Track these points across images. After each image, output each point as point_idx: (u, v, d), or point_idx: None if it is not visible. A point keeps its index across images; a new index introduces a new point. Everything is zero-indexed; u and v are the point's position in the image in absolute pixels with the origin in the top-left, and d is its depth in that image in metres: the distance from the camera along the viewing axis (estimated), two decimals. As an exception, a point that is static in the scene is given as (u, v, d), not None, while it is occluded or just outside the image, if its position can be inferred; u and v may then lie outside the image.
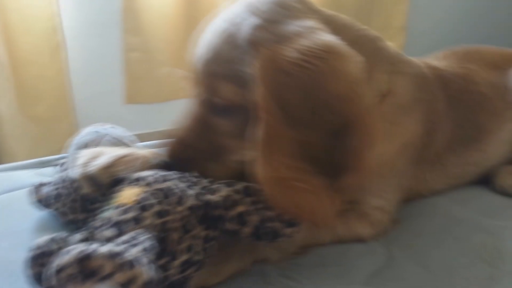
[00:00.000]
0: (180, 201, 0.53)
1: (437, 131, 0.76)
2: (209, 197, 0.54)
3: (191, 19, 1.74)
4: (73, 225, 0.63)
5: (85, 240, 0.51)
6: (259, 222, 0.53)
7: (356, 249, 0.64)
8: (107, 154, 0.60)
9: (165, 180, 0.55)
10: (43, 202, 0.68)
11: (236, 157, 0.60)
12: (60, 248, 0.49)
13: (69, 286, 0.42)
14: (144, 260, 0.44)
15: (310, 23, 0.56)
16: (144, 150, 0.64)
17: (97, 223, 0.53)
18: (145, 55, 1.79)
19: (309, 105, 0.51)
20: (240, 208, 0.53)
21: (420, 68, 0.77)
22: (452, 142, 0.79)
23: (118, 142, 0.68)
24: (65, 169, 0.65)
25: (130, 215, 0.51)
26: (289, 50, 0.52)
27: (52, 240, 0.50)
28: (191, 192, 0.54)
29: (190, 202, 0.53)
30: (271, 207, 0.53)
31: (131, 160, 0.60)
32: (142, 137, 0.94)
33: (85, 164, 0.59)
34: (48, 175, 0.69)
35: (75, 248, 0.42)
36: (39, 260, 0.48)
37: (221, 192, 0.54)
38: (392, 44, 0.73)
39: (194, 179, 0.56)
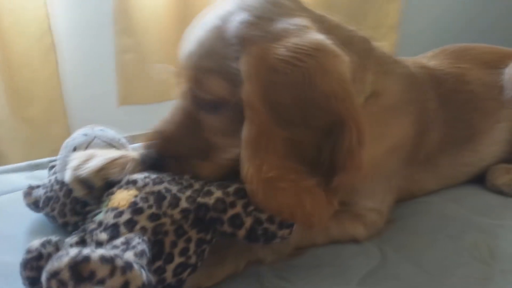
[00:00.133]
0: (172, 204, 0.52)
1: (429, 131, 0.76)
2: (202, 200, 0.53)
3: (184, 19, 1.74)
4: (65, 229, 0.62)
5: (77, 243, 0.51)
6: (252, 224, 0.53)
7: (351, 250, 0.64)
8: (98, 157, 0.59)
9: (157, 183, 0.55)
10: (35, 205, 0.68)
11: (225, 155, 0.59)
12: (51, 252, 0.49)
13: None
14: (138, 264, 0.44)
15: (300, 21, 0.56)
16: (135, 152, 0.63)
17: (89, 226, 0.52)
18: (138, 56, 1.78)
19: (299, 103, 0.51)
20: (233, 211, 0.53)
21: (410, 68, 0.76)
22: (444, 142, 0.79)
23: (109, 144, 0.68)
24: (55, 173, 0.65)
25: (122, 218, 0.50)
26: (279, 48, 0.51)
27: (44, 243, 0.49)
28: (183, 195, 0.53)
29: (183, 205, 0.52)
30: (263, 209, 0.53)
31: (123, 162, 0.59)
32: (136, 138, 0.93)
33: (77, 167, 0.59)
34: (40, 178, 0.69)
35: (68, 253, 0.42)
36: (32, 264, 0.48)
37: (213, 195, 0.54)
38: (381, 44, 0.73)
39: (186, 182, 0.56)
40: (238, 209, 0.53)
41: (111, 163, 0.59)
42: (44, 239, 0.50)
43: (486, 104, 0.86)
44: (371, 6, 2.11)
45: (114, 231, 0.50)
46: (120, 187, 0.55)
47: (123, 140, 0.73)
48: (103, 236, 0.50)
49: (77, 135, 0.70)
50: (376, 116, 0.65)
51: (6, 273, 0.57)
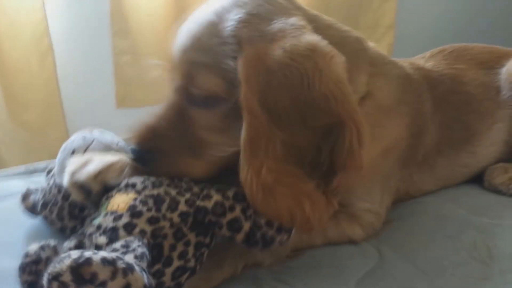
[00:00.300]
0: (171, 208, 0.52)
1: (425, 133, 0.76)
2: (201, 203, 0.53)
3: (180, 21, 1.74)
4: (63, 233, 0.62)
5: (76, 247, 0.51)
6: (251, 228, 0.53)
7: (349, 251, 0.64)
8: (96, 161, 0.59)
9: (156, 187, 0.55)
10: (32, 209, 0.68)
11: (215, 152, 0.58)
12: (50, 256, 0.49)
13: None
14: (137, 267, 0.44)
15: (295, 20, 0.56)
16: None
17: (87, 230, 0.53)
18: (135, 57, 1.78)
19: (297, 105, 0.51)
20: (232, 215, 0.53)
21: (404, 69, 0.76)
22: (441, 144, 0.79)
23: (106, 148, 0.68)
24: (53, 176, 0.65)
25: (121, 222, 0.51)
26: (276, 49, 0.52)
27: (42, 248, 0.49)
28: (182, 198, 0.53)
29: (182, 208, 0.52)
30: (262, 213, 0.53)
31: (120, 166, 0.59)
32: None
33: (74, 171, 0.59)
34: (37, 182, 0.69)
35: (70, 255, 0.42)
36: (30, 267, 0.48)
37: (212, 198, 0.54)
38: (376, 45, 0.73)
39: (185, 185, 0.56)
40: (237, 213, 0.53)
41: (109, 167, 0.59)
42: (42, 242, 0.50)
43: (483, 105, 0.86)
44: (367, 6, 2.11)
45: (113, 235, 0.50)
46: (119, 191, 0.55)
47: (121, 143, 0.73)
48: (102, 239, 0.50)
49: (75, 139, 0.70)
50: (369, 117, 0.64)
51: (3, 278, 0.57)
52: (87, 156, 0.62)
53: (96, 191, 0.57)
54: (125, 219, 0.51)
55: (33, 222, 0.69)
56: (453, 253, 0.65)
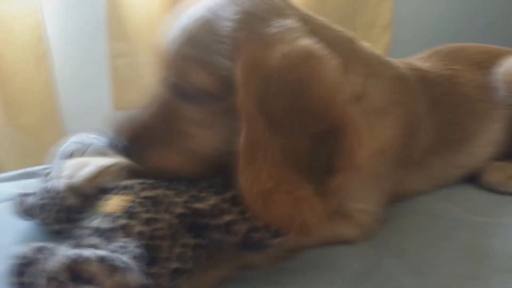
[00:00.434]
0: (168, 209, 0.52)
1: (419, 134, 0.76)
2: (197, 205, 0.53)
3: (173, 15, 1.73)
4: (59, 236, 0.62)
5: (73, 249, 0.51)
6: (246, 231, 0.53)
7: (343, 251, 0.64)
8: (92, 165, 0.60)
9: (152, 188, 0.55)
10: (28, 213, 0.68)
11: (199, 148, 0.58)
12: (46, 258, 0.49)
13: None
14: (135, 267, 0.45)
15: (290, 23, 0.56)
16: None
17: (84, 232, 0.53)
18: (132, 60, 1.78)
19: (295, 111, 0.52)
20: (228, 217, 0.53)
21: (400, 70, 0.76)
22: (436, 145, 0.79)
23: (103, 151, 0.68)
24: (50, 179, 0.65)
25: (118, 223, 0.51)
26: (273, 55, 0.52)
27: (38, 249, 0.49)
28: (179, 200, 0.54)
29: (178, 210, 0.53)
30: (261, 219, 0.53)
31: (116, 170, 0.59)
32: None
33: (70, 175, 0.59)
34: (32, 186, 0.69)
35: (67, 255, 0.42)
36: (23, 269, 0.47)
37: (209, 201, 0.54)
38: (370, 45, 0.73)
39: (183, 187, 0.56)
40: (234, 216, 0.53)
41: (106, 170, 0.59)
42: (38, 244, 0.50)
43: (479, 106, 0.86)
44: (364, 5, 2.11)
45: (110, 236, 0.50)
46: (116, 193, 0.55)
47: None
48: (100, 241, 0.50)
49: (71, 143, 0.71)
50: (363, 118, 0.65)
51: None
52: (83, 159, 0.62)
53: (92, 194, 0.57)
54: (122, 221, 0.51)
55: (27, 227, 0.69)
56: (448, 252, 0.65)
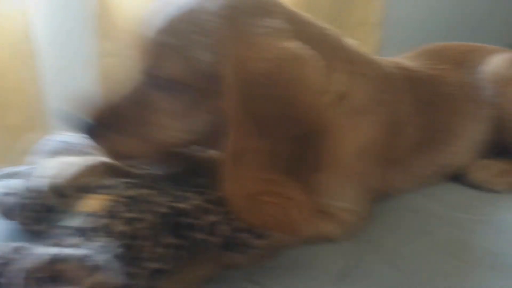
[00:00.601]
0: (149, 209, 0.52)
1: (403, 133, 0.76)
2: (180, 205, 0.53)
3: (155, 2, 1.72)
4: (39, 236, 0.62)
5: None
6: (229, 232, 0.53)
7: (325, 249, 0.64)
8: (73, 164, 0.59)
9: (136, 188, 0.55)
10: (7, 213, 0.67)
11: (166, 137, 0.58)
12: (23, 258, 0.48)
13: (31, 288, 0.42)
14: (113, 266, 0.44)
15: (277, 23, 0.56)
16: (104, 157, 0.62)
17: (65, 232, 0.52)
18: (121, 60, 1.77)
19: (277, 115, 0.52)
20: (211, 218, 0.53)
21: (385, 69, 0.76)
22: (420, 144, 0.79)
23: (85, 151, 0.67)
24: (31, 179, 0.64)
25: (98, 223, 0.50)
26: (257, 56, 0.52)
27: (15, 249, 0.48)
28: (161, 199, 0.54)
29: (161, 210, 0.52)
30: (249, 224, 0.54)
31: (98, 169, 0.59)
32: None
33: (52, 175, 0.59)
34: (14, 186, 0.68)
35: (44, 253, 0.42)
36: (0, 269, 0.46)
37: (192, 201, 0.54)
38: (357, 43, 0.73)
39: (165, 187, 0.56)
40: (216, 216, 0.53)
41: (87, 170, 0.59)
42: (15, 244, 0.49)
43: (464, 106, 0.86)
44: (354, 3, 2.11)
45: (91, 236, 0.50)
46: (97, 192, 0.55)
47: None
48: (79, 240, 0.50)
49: (53, 141, 0.70)
50: (344, 117, 0.65)
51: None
52: (65, 159, 0.62)
53: (74, 194, 0.57)
54: (102, 221, 0.51)
55: (7, 227, 0.68)
56: (431, 249, 0.65)
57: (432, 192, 0.82)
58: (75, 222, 0.52)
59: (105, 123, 0.58)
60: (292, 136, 0.53)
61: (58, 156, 0.66)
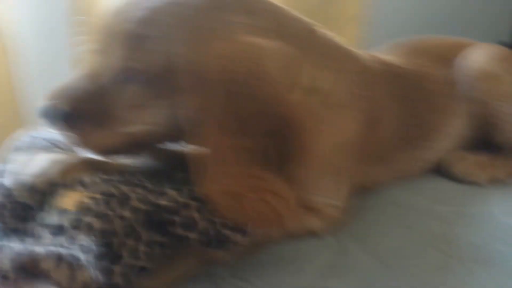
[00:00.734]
0: (122, 204, 0.51)
1: (380, 128, 0.75)
2: (154, 200, 0.52)
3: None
4: (13, 235, 0.59)
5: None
6: (208, 228, 0.52)
7: (309, 244, 0.63)
8: (42, 160, 0.57)
9: (105, 183, 0.53)
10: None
11: (128, 128, 0.57)
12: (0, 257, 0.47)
13: (8, 286, 0.41)
14: (87, 262, 0.43)
15: (252, 18, 0.56)
16: (82, 153, 0.61)
17: (35, 229, 0.51)
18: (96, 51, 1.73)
19: (245, 111, 0.52)
20: (186, 213, 0.52)
21: (363, 62, 0.75)
22: (398, 139, 0.79)
23: (54, 146, 0.65)
24: (6, 177, 0.62)
25: (70, 219, 0.49)
26: (209, 53, 0.52)
27: None
28: (133, 194, 0.52)
29: (133, 204, 0.51)
30: (234, 222, 0.53)
31: (68, 164, 0.57)
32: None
33: (21, 171, 0.57)
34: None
35: (18, 251, 0.42)
36: None
37: (166, 195, 0.53)
38: (336, 36, 0.71)
39: (138, 182, 0.55)
40: (192, 211, 0.52)
41: (56, 165, 0.57)
42: None
43: (441, 101, 0.87)
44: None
45: (61, 232, 0.49)
46: (68, 188, 0.53)
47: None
48: (51, 237, 0.49)
49: (23, 138, 0.68)
50: (319, 112, 0.64)
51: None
52: (34, 155, 0.60)
53: (43, 190, 0.55)
54: (74, 216, 0.49)
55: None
56: (413, 242, 0.65)
57: (414, 185, 0.81)
58: (55, 220, 0.51)
59: (79, 114, 0.57)
60: (267, 131, 0.53)
61: (35, 153, 0.64)
